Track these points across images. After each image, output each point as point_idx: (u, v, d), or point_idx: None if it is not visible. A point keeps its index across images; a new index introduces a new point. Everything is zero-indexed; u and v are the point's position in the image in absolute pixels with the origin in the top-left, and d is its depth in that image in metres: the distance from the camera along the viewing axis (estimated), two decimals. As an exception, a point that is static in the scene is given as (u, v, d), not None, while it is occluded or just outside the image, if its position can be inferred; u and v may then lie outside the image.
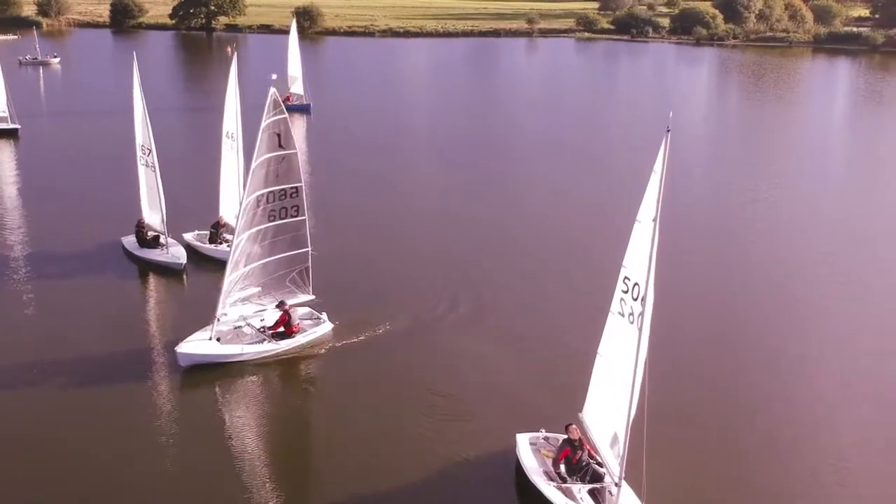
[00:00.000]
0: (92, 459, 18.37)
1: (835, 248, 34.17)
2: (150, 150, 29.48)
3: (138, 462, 18.28)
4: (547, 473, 17.13)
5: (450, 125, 60.57)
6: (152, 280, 29.16)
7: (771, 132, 60.61)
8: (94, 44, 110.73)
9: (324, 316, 24.55)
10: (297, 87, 62.76)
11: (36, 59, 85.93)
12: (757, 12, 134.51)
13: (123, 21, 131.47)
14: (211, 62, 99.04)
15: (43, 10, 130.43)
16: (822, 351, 24.56)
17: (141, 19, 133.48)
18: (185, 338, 22.75)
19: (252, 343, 23.10)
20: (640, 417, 15.99)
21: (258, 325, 23.70)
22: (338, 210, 37.22)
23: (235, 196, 30.09)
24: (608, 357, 17.01)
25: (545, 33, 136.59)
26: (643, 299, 15.38)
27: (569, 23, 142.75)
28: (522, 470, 17.46)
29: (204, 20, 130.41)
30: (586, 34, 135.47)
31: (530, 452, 17.82)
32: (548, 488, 16.55)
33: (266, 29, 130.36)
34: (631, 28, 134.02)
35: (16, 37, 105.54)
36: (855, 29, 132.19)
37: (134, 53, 31.57)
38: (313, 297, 24.79)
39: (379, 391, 21.50)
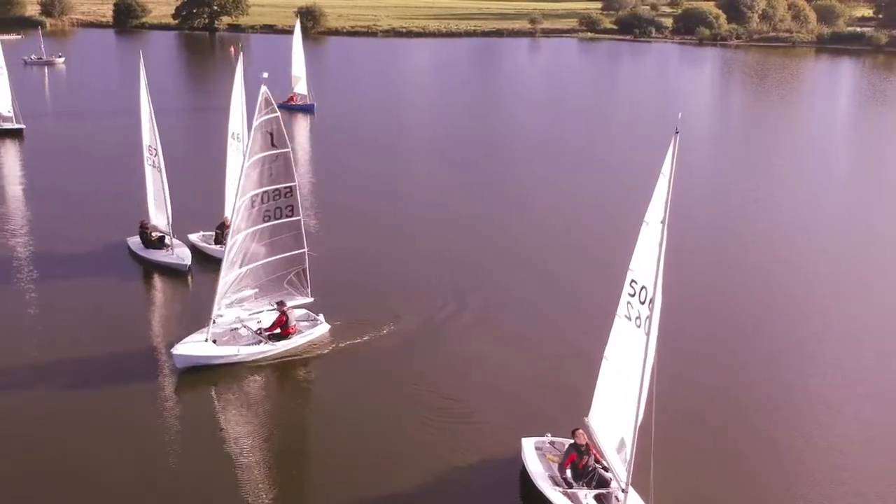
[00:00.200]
0: (90, 460, 18.32)
1: (837, 248, 34.13)
2: (157, 151, 29.50)
3: (135, 463, 18.23)
4: (553, 478, 16.98)
5: (452, 125, 60.53)
6: (156, 281, 29.15)
7: (774, 132, 60.53)
8: (98, 44, 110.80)
9: (320, 317, 24.42)
10: (300, 88, 62.78)
11: (41, 58, 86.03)
12: (760, 12, 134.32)
13: (126, 21, 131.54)
14: (214, 62, 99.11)
15: (46, 10, 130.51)
16: (826, 351, 24.48)
17: (144, 19, 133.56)
18: (184, 339, 22.76)
19: (248, 344, 22.98)
20: (647, 422, 15.90)
21: (255, 326, 23.58)
22: (339, 210, 37.21)
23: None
24: (615, 361, 16.88)
25: (548, 33, 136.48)
26: (651, 303, 15.23)
27: (572, 23, 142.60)
28: (528, 475, 17.34)
29: (207, 20, 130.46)
30: (589, 34, 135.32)
31: (536, 457, 17.68)
32: (553, 493, 16.45)
33: (269, 29, 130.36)
34: (634, 28, 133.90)
35: (19, 36, 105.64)
36: (858, 29, 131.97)
37: (140, 54, 31.61)
38: (311, 299, 24.65)
39: (380, 393, 21.36)
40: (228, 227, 30.71)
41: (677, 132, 14.41)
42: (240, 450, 19.05)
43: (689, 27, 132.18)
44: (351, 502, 17.22)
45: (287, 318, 23.48)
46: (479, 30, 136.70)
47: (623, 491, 16.22)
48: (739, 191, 42.61)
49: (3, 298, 26.91)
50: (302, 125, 59.29)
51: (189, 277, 29.05)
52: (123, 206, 34.73)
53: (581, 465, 16.94)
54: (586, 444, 17.12)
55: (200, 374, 22.03)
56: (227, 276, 23.03)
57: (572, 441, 17.20)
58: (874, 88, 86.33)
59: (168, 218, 29.91)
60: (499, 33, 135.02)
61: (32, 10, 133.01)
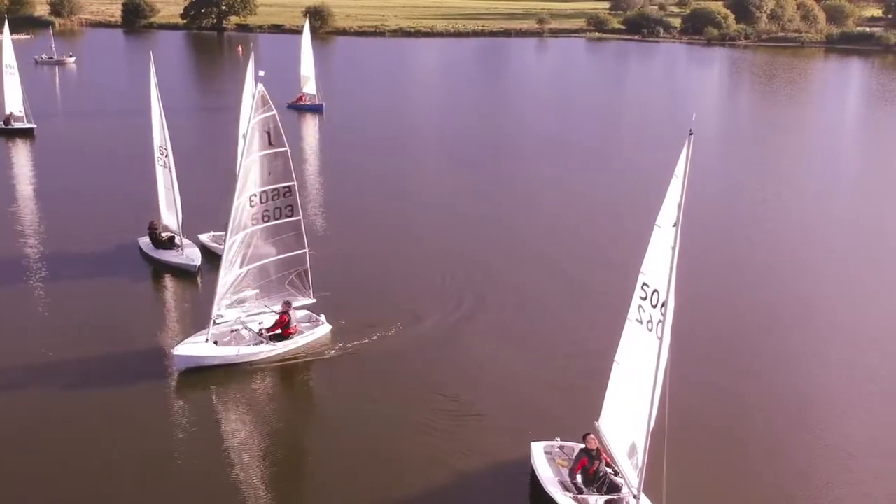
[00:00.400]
0: (88, 460, 18.28)
1: (845, 249, 33.96)
2: (167, 151, 29.57)
3: (135, 464, 18.15)
4: (562, 483, 16.75)
5: (460, 125, 60.48)
6: (166, 281, 29.20)
7: (782, 132, 60.28)
8: (107, 44, 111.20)
9: (322, 318, 24.28)
10: (309, 88, 62.86)
11: (52, 58, 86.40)
12: (769, 12, 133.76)
13: (135, 21, 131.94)
14: (222, 62, 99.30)
15: (55, 10, 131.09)
16: (841, 352, 24.36)
17: (152, 19, 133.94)
18: (185, 340, 22.74)
19: (249, 345, 22.86)
20: (659, 427, 15.75)
21: (256, 327, 23.41)
22: (347, 210, 37.22)
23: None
24: (626, 365, 16.70)
25: (556, 33, 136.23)
26: (663, 306, 15.08)
27: (579, 23, 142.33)
28: (537, 479, 17.11)
29: (215, 20, 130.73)
30: (597, 34, 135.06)
31: (545, 462, 17.44)
32: (564, 499, 16.28)
33: (277, 29, 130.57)
34: (642, 28, 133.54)
35: (29, 36, 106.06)
36: (868, 29, 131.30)
37: (151, 55, 31.67)
38: (314, 300, 24.52)
39: (384, 394, 21.17)
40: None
41: (691, 134, 14.16)
42: (240, 451, 18.94)
43: (697, 27, 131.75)
44: (353, 506, 16.97)
45: (289, 318, 23.31)
46: (487, 30, 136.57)
47: (635, 497, 16.07)
48: (748, 191, 42.47)
49: (12, 297, 27.01)
50: (311, 125, 59.38)
51: (198, 278, 29.07)
52: (134, 206, 34.77)
53: (592, 471, 16.73)
54: (597, 448, 16.92)
55: (201, 374, 21.92)
56: (227, 276, 22.87)
57: (583, 446, 16.99)
58: (884, 89, 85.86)
59: (178, 218, 29.98)
60: (506, 33, 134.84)
61: (42, 9, 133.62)
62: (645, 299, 15.77)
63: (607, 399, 17.51)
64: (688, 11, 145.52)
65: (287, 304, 23.61)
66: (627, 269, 16.33)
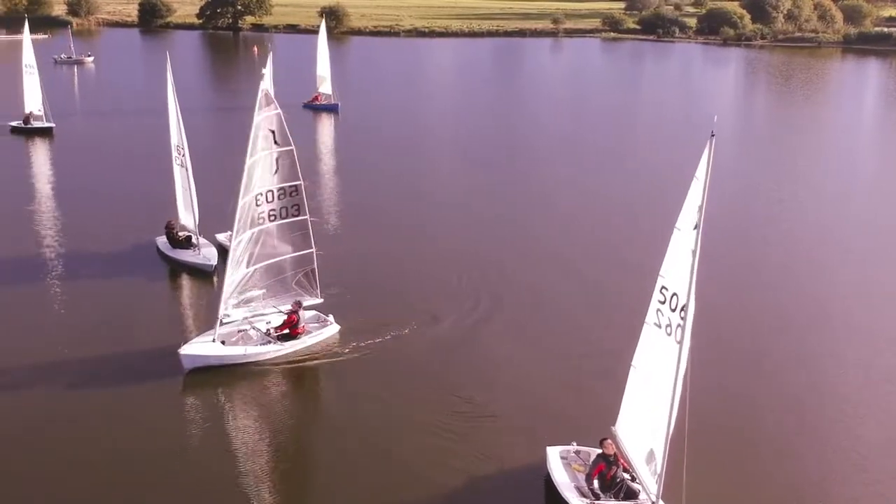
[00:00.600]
0: (91, 460, 18.28)
1: (863, 249, 33.62)
2: (184, 151, 29.69)
3: (139, 463, 18.14)
4: (579, 489, 16.52)
5: (474, 125, 60.41)
6: (182, 281, 29.29)
7: (799, 133, 59.85)
8: (124, 43, 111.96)
9: (330, 318, 24.17)
10: (325, 87, 63.03)
11: (70, 58, 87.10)
12: (785, 12, 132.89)
13: (151, 21, 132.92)
14: (238, 62, 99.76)
15: (73, 10, 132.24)
16: (856, 354, 24.05)
17: (169, 19, 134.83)
18: (192, 339, 22.74)
19: (257, 345, 22.77)
20: (678, 432, 15.55)
21: (263, 327, 23.34)
22: (362, 209, 37.23)
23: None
24: (643, 370, 16.48)
25: (571, 33, 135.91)
26: (683, 310, 14.85)
27: (594, 23, 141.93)
28: (552, 484, 16.92)
29: (231, 20, 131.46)
30: (612, 34, 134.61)
31: (561, 467, 17.22)
32: (580, 504, 16.10)
33: (292, 29, 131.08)
34: (657, 28, 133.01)
35: (47, 36, 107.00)
36: (885, 29, 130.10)
37: (167, 54, 31.80)
38: (321, 300, 24.40)
39: (396, 395, 20.97)
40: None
41: (713, 135, 14.02)
42: (247, 452, 18.84)
43: (713, 27, 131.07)
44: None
45: (298, 318, 23.19)
46: (502, 30, 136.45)
47: (652, 503, 15.92)
48: (764, 191, 42.14)
49: (30, 295, 27.16)
50: (326, 125, 59.50)
51: (214, 278, 29.09)
52: (152, 205, 34.92)
53: (609, 476, 16.51)
54: (615, 454, 16.67)
55: (208, 374, 21.86)
56: (234, 275, 22.78)
57: (600, 451, 16.74)
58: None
59: (195, 217, 30.09)
60: (521, 33, 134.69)
61: (59, 9, 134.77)
62: (664, 303, 15.55)
63: (624, 404, 17.28)
64: (703, 11, 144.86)
65: (297, 304, 23.55)
66: (643, 270, 16.13)
